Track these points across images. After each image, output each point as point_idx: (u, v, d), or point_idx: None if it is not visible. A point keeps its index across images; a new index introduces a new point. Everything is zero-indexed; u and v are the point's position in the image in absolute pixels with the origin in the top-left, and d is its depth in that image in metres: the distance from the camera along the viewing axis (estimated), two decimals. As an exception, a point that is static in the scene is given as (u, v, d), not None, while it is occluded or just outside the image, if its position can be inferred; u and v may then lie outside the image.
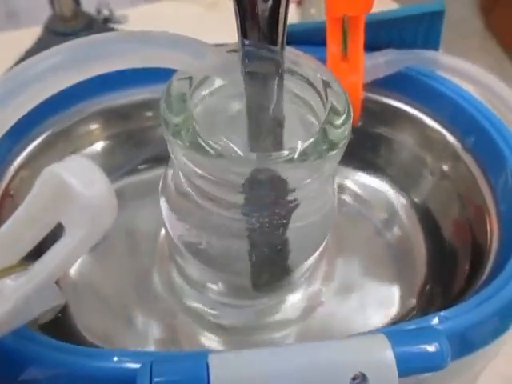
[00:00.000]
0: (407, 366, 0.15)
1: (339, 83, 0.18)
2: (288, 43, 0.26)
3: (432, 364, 0.16)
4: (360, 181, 0.29)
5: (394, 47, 0.25)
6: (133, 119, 0.26)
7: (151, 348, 0.22)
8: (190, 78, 0.17)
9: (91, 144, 0.26)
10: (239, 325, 0.23)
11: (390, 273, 0.26)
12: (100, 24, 0.39)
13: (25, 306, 0.14)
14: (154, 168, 0.27)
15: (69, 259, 0.13)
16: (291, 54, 0.18)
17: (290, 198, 0.17)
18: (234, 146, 0.15)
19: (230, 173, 0.15)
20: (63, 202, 0.11)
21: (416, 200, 0.28)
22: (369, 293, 0.25)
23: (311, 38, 0.25)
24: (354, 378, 0.15)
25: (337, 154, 0.17)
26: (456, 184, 0.26)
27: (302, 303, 0.24)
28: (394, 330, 0.17)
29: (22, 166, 0.22)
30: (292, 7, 0.44)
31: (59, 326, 0.21)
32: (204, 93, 0.17)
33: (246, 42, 0.17)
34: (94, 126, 0.25)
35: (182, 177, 0.18)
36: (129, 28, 0.42)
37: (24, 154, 0.23)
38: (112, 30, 0.40)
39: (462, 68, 0.24)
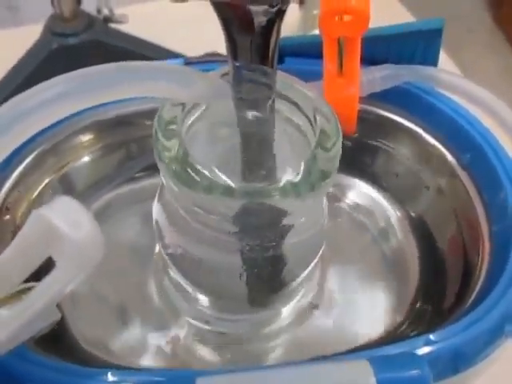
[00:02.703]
0: (389, 393, 0.16)
1: (329, 106, 0.18)
2: (286, 56, 0.26)
3: (414, 392, 0.16)
4: (356, 191, 0.29)
5: (393, 62, 0.25)
6: (126, 129, 0.26)
7: (147, 359, 0.22)
8: (183, 103, 0.17)
9: (84, 156, 0.26)
10: (233, 336, 0.24)
11: (383, 286, 0.26)
12: (100, 24, 0.39)
13: (21, 331, 0.14)
14: (150, 176, 0.28)
15: (60, 291, 0.13)
16: (280, 76, 0.18)
17: (282, 223, 0.17)
18: (225, 178, 0.15)
19: (220, 206, 0.15)
20: (52, 241, 0.12)
21: (412, 214, 0.28)
22: (360, 305, 0.25)
23: (308, 52, 0.25)
24: (336, 405, 0.15)
25: (330, 180, 0.17)
26: (452, 200, 0.26)
27: (294, 314, 0.25)
28: (377, 357, 0.17)
29: (17, 182, 0.23)
30: (294, 8, 0.43)
31: (56, 336, 0.22)
32: (194, 118, 0.17)
33: (237, 64, 0.17)
34: (86, 138, 0.26)
35: (173, 199, 0.18)
36: (130, 28, 0.42)
37: (19, 170, 0.23)
38: (113, 29, 0.40)
39: (459, 85, 0.24)
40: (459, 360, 0.19)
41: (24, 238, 0.12)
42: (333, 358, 0.19)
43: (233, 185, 0.16)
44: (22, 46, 0.41)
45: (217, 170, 0.16)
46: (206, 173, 0.16)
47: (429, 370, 0.17)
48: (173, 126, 0.16)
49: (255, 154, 0.17)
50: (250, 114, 0.17)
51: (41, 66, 0.40)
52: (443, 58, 0.33)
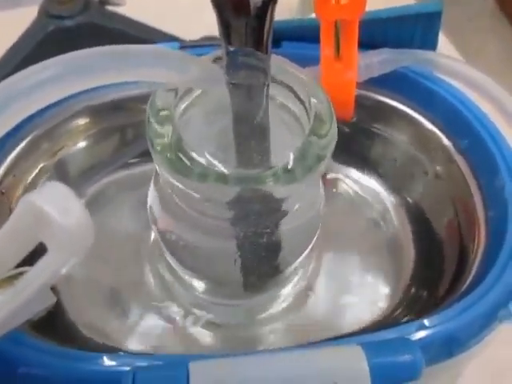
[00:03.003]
0: (381, 377, 0.16)
1: (324, 92, 0.18)
2: (283, 40, 0.26)
3: (405, 376, 0.16)
4: (353, 177, 0.29)
5: (391, 46, 0.24)
6: (121, 114, 0.26)
7: (143, 343, 0.23)
8: (176, 89, 0.16)
9: (79, 141, 0.26)
10: (229, 321, 0.24)
11: (379, 271, 0.26)
12: (96, 6, 0.39)
13: (14, 316, 0.15)
14: (147, 161, 0.27)
15: (51, 275, 0.13)
16: (274, 60, 0.18)
17: (277, 209, 0.17)
18: (219, 164, 0.15)
19: (214, 193, 0.15)
20: (42, 227, 0.12)
21: (409, 199, 0.28)
22: (356, 290, 0.26)
23: (306, 35, 0.25)
24: (329, 389, 0.16)
25: (323, 165, 0.17)
26: (449, 186, 0.26)
27: (290, 299, 0.25)
28: (370, 342, 0.17)
29: (12, 167, 0.23)
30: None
31: (53, 320, 0.22)
32: (187, 104, 0.17)
33: (231, 49, 0.17)
34: (81, 123, 0.25)
35: (166, 186, 0.18)
36: (127, 10, 0.41)
37: (13, 154, 0.23)
38: (109, 12, 0.40)
39: (459, 70, 0.24)
40: (452, 345, 0.19)
41: (14, 224, 0.12)
42: (326, 343, 0.19)
43: (227, 171, 0.15)
44: (18, 28, 0.40)
45: (211, 157, 0.16)
46: (200, 159, 0.16)
47: (421, 354, 0.17)
48: (166, 113, 0.16)
49: (249, 140, 0.17)
50: (244, 100, 0.17)
51: (37, 48, 0.39)
52: (444, 42, 0.32)
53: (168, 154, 0.15)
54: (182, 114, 0.17)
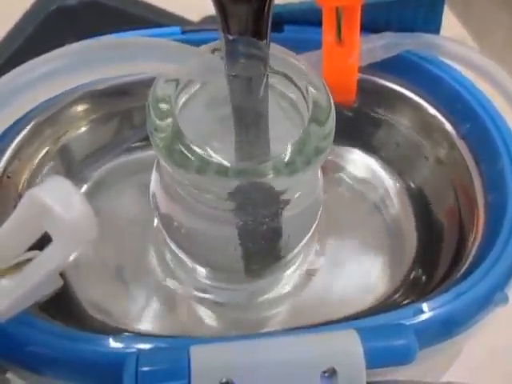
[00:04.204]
0: (375, 360, 0.17)
1: (321, 80, 0.18)
2: (285, 24, 0.25)
3: (399, 359, 0.17)
4: (355, 161, 0.29)
5: (394, 30, 0.24)
6: (124, 98, 0.26)
7: (148, 325, 0.23)
8: (177, 80, 0.16)
9: (82, 126, 0.26)
10: (232, 304, 0.25)
11: (380, 255, 0.26)
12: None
13: (22, 300, 0.15)
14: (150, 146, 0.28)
15: (57, 265, 0.14)
16: (270, 48, 0.18)
17: (277, 200, 0.18)
18: (219, 157, 0.15)
19: (215, 185, 0.15)
20: (46, 220, 0.12)
21: (411, 184, 0.28)
22: (357, 274, 0.26)
23: (309, 19, 0.25)
24: (324, 372, 0.16)
25: (324, 154, 0.17)
26: (450, 171, 0.26)
27: (292, 283, 0.26)
28: (366, 327, 0.18)
29: (16, 152, 0.23)
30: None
31: (60, 301, 0.23)
32: (188, 96, 0.17)
33: (231, 38, 0.16)
34: (83, 108, 0.25)
35: (168, 176, 0.18)
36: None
37: (17, 140, 0.23)
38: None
39: (463, 54, 0.24)
40: (447, 329, 0.20)
41: (20, 215, 0.12)
42: (323, 327, 0.19)
43: (227, 164, 0.16)
44: (20, 8, 0.40)
45: (210, 149, 0.16)
46: (200, 152, 0.16)
47: (415, 339, 0.17)
48: (166, 104, 0.16)
49: (249, 131, 0.17)
50: (244, 91, 0.17)
51: (39, 27, 0.39)
52: (451, 18, 0.32)
53: (167, 147, 0.15)
54: (182, 106, 0.17)
